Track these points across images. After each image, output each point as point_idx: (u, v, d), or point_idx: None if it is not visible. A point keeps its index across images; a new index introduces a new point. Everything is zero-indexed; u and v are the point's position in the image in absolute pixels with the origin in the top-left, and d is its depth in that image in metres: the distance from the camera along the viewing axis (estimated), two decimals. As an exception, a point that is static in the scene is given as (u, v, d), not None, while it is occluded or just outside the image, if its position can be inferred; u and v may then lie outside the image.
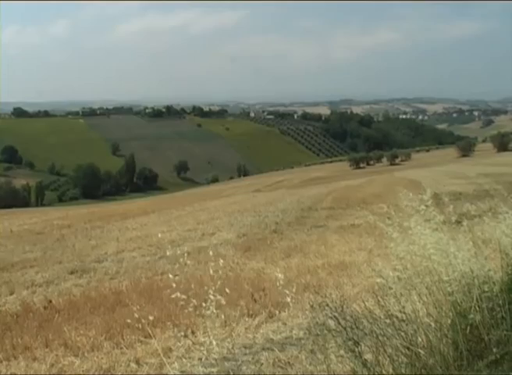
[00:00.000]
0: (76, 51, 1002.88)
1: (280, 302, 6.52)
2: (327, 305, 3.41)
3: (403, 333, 3.14)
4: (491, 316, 3.19)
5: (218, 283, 2.88)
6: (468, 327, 3.13)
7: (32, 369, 5.58)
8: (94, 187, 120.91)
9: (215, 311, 2.80)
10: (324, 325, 3.40)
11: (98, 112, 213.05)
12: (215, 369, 3.01)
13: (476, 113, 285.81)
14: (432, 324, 3.23)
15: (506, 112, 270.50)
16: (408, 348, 3.07)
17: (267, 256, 12.15)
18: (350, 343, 3.12)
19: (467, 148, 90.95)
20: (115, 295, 9.39)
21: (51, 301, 9.33)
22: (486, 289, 3.26)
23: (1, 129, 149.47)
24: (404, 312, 3.27)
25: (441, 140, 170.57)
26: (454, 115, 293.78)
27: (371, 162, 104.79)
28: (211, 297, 2.81)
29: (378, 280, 3.59)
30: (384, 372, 3.04)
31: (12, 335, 7.07)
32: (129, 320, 3.55)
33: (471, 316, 3.14)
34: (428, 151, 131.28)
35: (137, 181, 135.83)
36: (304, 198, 30.01)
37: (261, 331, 5.85)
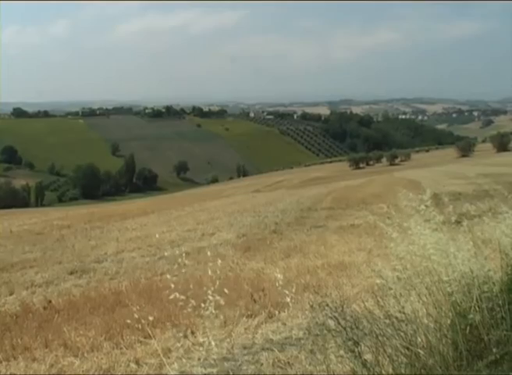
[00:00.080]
0: (76, 51, 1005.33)
1: (280, 302, 6.51)
2: (327, 305, 3.41)
3: (402, 334, 3.14)
4: (491, 316, 3.19)
5: (217, 283, 2.88)
6: (468, 327, 3.13)
7: (31, 369, 5.58)
8: (94, 187, 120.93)
9: (213, 311, 2.79)
10: (323, 325, 3.40)
11: (98, 112, 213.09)
12: (214, 370, 3.00)
13: (476, 113, 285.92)
14: (432, 324, 3.23)
15: (505, 113, 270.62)
16: (408, 349, 3.07)
17: (266, 256, 12.14)
18: (349, 343, 3.12)
19: (466, 149, 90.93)
20: (114, 296, 9.38)
21: (50, 302, 9.33)
22: (486, 289, 3.26)
23: (0, 129, 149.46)
24: (404, 313, 3.27)
25: (440, 140, 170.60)
26: (454, 115, 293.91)
27: (371, 163, 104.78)
28: (210, 297, 2.81)
29: (378, 280, 3.59)
30: (384, 372, 3.04)
31: (11, 335, 7.06)
32: (128, 321, 3.55)
33: (471, 316, 3.14)
34: (427, 151, 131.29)
35: (137, 181, 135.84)
36: (304, 198, 30.00)
37: (261, 331, 5.85)
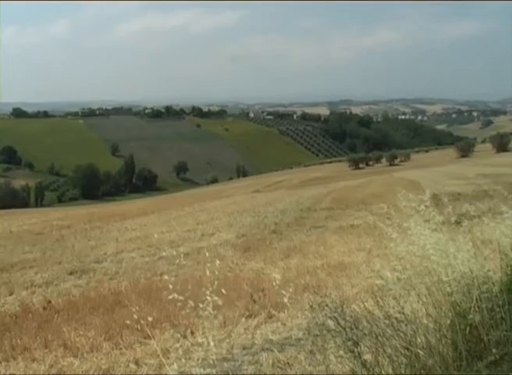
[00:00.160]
0: (76, 51, 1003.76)
1: (279, 303, 6.51)
2: (326, 305, 3.41)
3: (402, 334, 3.14)
4: (490, 316, 3.19)
5: (215, 283, 2.88)
6: (468, 328, 3.13)
7: (31, 369, 5.58)
8: (94, 187, 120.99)
9: (212, 312, 2.79)
10: (323, 325, 3.40)
11: (98, 112, 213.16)
12: (214, 370, 3.00)
13: (475, 114, 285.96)
14: (432, 325, 3.22)
15: (505, 113, 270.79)
16: (407, 349, 3.07)
17: (266, 257, 12.15)
18: (349, 343, 3.11)
19: (466, 149, 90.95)
20: (114, 296, 9.38)
21: (50, 302, 9.33)
22: (485, 289, 3.26)
23: (0, 129, 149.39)
24: (403, 313, 3.27)
25: (440, 140, 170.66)
26: (453, 115, 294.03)
27: (371, 163, 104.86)
28: (208, 298, 2.81)
29: (378, 280, 3.59)
30: (383, 372, 3.04)
31: (11, 336, 7.06)
32: (127, 321, 3.55)
33: (471, 316, 3.14)
34: (427, 151, 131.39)
35: (137, 182, 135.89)
36: (304, 198, 30.01)
37: (260, 332, 5.84)
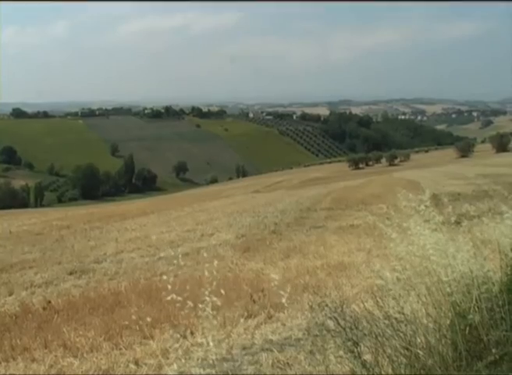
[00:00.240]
0: (76, 51, 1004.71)
1: (279, 303, 6.51)
2: (326, 305, 3.41)
3: (402, 334, 3.14)
4: (490, 316, 3.19)
5: (214, 284, 2.88)
6: (467, 328, 3.13)
7: (31, 370, 5.58)
8: (93, 187, 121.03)
9: (211, 312, 2.79)
10: (323, 325, 3.41)
11: (97, 112, 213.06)
12: (213, 370, 3.00)
13: (475, 114, 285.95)
14: (431, 325, 3.22)
15: (505, 113, 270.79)
16: (407, 349, 3.07)
17: (266, 257, 12.14)
18: (349, 343, 3.12)
19: (466, 149, 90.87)
20: (114, 296, 9.38)
21: (50, 302, 9.32)
22: (485, 290, 3.26)
23: (0, 130, 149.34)
24: (403, 313, 3.27)
25: (440, 140, 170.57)
26: (453, 115, 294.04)
27: (370, 163, 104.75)
28: (207, 298, 2.81)
29: (378, 281, 3.59)
30: (383, 372, 3.04)
31: (10, 336, 7.06)
32: (126, 322, 3.54)
33: (470, 316, 3.14)
34: (427, 151, 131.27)
35: (136, 182, 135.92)
36: (303, 198, 30.00)
37: (260, 332, 5.84)
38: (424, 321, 3.26)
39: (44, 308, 8.84)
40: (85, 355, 5.78)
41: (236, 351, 5.10)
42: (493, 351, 2.99)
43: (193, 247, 15.27)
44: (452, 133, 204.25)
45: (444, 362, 3.01)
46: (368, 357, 3.11)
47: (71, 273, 12.94)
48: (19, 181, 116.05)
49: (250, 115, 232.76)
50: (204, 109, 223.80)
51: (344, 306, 3.46)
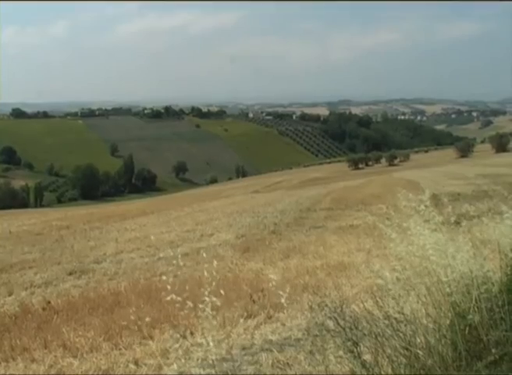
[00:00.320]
0: (76, 51, 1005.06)
1: (279, 303, 6.50)
2: (326, 305, 3.41)
3: (401, 334, 3.14)
4: (490, 316, 3.19)
5: (213, 284, 2.88)
6: (467, 328, 3.13)
7: (30, 370, 5.58)
8: (93, 187, 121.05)
9: (210, 312, 2.79)
10: (323, 325, 3.41)
11: (97, 112, 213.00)
12: (213, 370, 3.00)
13: (475, 114, 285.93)
14: (431, 325, 3.22)
15: (504, 113, 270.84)
16: (407, 349, 3.07)
17: (265, 257, 12.14)
18: (348, 343, 3.11)
19: (465, 149, 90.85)
20: (113, 296, 9.38)
21: (49, 302, 9.32)
22: (485, 290, 3.26)
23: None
24: (403, 313, 3.27)
25: (439, 141, 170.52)
26: (453, 116, 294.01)
27: (370, 163, 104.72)
28: (206, 299, 2.81)
29: (377, 281, 3.59)
30: (383, 372, 3.03)
31: (10, 336, 7.06)
32: (125, 323, 3.54)
33: (470, 316, 3.13)
34: (426, 151, 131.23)
35: (136, 182, 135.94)
36: (303, 198, 30.00)
37: (260, 332, 5.84)
38: (424, 321, 3.26)
39: (43, 309, 8.84)
40: (85, 355, 5.78)
41: (235, 352, 5.10)
42: (493, 351, 2.99)
43: (193, 247, 15.27)
44: (451, 133, 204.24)
45: (444, 362, 3.01)
46: (367, 357, 3.11)
47: (71, 274, 12.94)
48: (19, 181, 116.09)
49: (250, 115, 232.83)
50: (204, 109, 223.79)
51: (344, 306, 3.46)
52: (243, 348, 5.26)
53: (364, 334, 3.19)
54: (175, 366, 4.16)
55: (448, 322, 3.18)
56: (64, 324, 7.36)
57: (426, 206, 3.49)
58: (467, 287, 3.28)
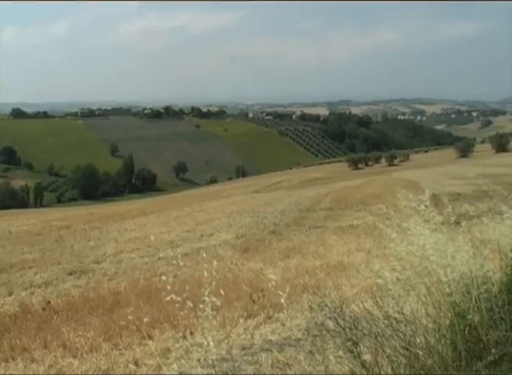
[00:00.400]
0: (76, 51, 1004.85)
1: (279, 303, 6.50)
2: (326, 305, 3.41)
3: (401, 334, 3.14)
4: (490, 316, 3.19)
5: (213, 284, 2.88)
6: (467, 328, 3.13)
7: (30, 370, 5.58)
8: (93, 187, 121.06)
9: (210, 312, 2.79)
10: (323, 325, 3.40)
11: (97, 112, 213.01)
12: (213, 370, 3.00)
13: (475, 114, 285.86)
14: (431, 325, 3.22)
15: (504, 113, 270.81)
16: (407, 349, 3.07)
17: (265, 257, 12.14)
18: (348, 343, 3.11)
19: (465, 149, 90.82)
20: (113, 296, 9.37)
21: (49, 302, 9.31)
22: (485, 290, 3.25)
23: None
24: (403, 313, 3.27)
25: (439, 141, 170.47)
26: (453, 116, 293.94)
27: (370, 163, 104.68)
28: (206, 299, 2.81)
29: (377, 281, 3.59)
30: (383, 372, 3.03)
31: (10, 336, 7.05)
32: (123, 323, 3.54)
33: (470, 316, 3.13)
34: (426, 151, 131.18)
35: (136, 182, 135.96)
36: (303, 198, 30.00)
37: (260, 332, 5.84)
38: (424, 321, 3.26)
39: (43, 309, 8.84)
40: (84, 355, 5.78)
41: (235, 352, 5.10)
42: (493, 351, 2.99)
43: (193, 247, 15.27)
44: (451, 133, 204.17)
45: (444, 362, 3.01)
46: (367, 357, 3.11)
47: (70, 274, 12.93)
48: (19, 181, 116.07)
49: (250, 115, 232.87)
50: (204, 109, 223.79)
51: (344, 306, 3.46)
52: (243, 348, 5.26)
53: (364, 334, 3.19)
54: (175, 366, 4.17)
55: (448, 322, 3.18)
56: (64, 324, 7.36)
57: (426, 206, 3.49)
58: (467, 287, 3.28)
